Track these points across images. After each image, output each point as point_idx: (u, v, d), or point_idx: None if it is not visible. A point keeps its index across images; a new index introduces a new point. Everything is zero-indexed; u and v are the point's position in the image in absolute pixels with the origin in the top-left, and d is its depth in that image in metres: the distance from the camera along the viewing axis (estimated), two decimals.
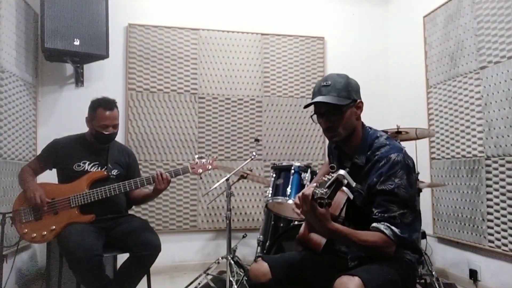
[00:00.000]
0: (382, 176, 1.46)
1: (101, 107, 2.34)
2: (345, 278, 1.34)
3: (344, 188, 1.30)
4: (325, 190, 1.29)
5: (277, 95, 3.98)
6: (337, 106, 1.51)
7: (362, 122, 1.64)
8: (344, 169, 1.36)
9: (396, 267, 1.45)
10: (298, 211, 1.57)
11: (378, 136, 1.58)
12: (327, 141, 3.99)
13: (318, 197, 1.30)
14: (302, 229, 1.58)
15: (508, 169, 2.67)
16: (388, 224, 1.42)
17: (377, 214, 1.45)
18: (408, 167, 1.49)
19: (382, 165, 1.48)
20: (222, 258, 2.84)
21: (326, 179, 1.32)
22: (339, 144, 1.66)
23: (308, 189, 1.41)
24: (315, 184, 1.48)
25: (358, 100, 1.57)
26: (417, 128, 2.77)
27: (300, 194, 1.42)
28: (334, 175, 1.30)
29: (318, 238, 1.52)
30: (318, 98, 1.53)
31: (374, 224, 1.44)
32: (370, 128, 1.64)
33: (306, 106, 1.64)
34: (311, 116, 1.62)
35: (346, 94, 1.53)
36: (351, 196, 1.31)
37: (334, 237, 1.43)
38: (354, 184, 1.32)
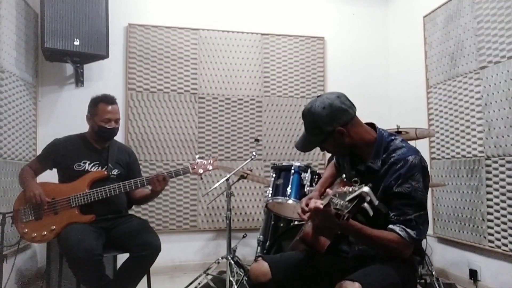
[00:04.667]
0: (400, 178, 1.45)
1: (103, 102, 2.38)
2: (345, 284, 1.33)
3: (365, 204, 1.24)
4: (346, 204, 1.25)
5: (277, 95, 3.98)
6: (314, 145, 1.57)
7: (374, 124, 1.61)
8: (366, 184, 1.31)
9: (397, 269, 1.44)
10: (304, 216, 1.58)
11: (393, 138, 1.56)
12: None
13: (337, 208, 1.27)
14: (307, 228, 1.58)
15: (508, 169, 2.67)
16: (404, 227, 1.41)
17: (393, 217, 1.44)
18: (424, 169, 1.48)
19: (399, 167, 1.46)
20: (222, 258, 2.84)
21: (346, 190, 1.28)
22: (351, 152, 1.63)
23: (317, 202, 1.38)
24: (318, 191, 1.46)
25: (337, 129, 1.49)
26: (417, 128, 2.77)
27: (311, 205, 1.39)
28: (358, 190, 1.24)
29: (323, 239, 1.52)
30: (298, 140, 1.65)
31: (390, 226, 1.43)
32: (384, 130, 1.60)
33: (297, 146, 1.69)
34: None
35: (318, 130, 1.52)
36: (371, 213, 1.25)
37: (346, 232, 1.42)
38: (377, 203, 1.27)
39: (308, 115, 1.54)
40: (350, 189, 1.27)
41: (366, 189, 1.23)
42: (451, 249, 3.28)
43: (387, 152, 1.52)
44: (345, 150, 1.59)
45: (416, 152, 1.51)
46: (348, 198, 1.26)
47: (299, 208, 1.75)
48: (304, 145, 1.60)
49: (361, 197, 1.24)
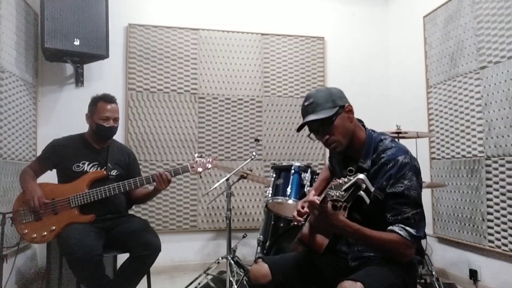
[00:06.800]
0: (391, 178, 1.45)
1: (102, 101, 2.39)
2: (347, 284, 1.33)
3: (361, 192, 1.26)
4: (342, 193, 1.25)
5: (277, 95, 3.98)
6: (327, 118, 1.52)
7: (363, 125, 1.63)
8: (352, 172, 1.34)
9: (397, 269, 1.44)
10: (299, 218, 1.59)
11: (383, 138, 1.57)
12: None
13: (334, 199, 1.26)
14: (305, 229, 1.58)
15: (508, 169, 2.67)
16: (403, 226, 1.40)
17: (390, 218, 1.43)
18: (415, 168, 1.48)
19: (390, 167, 1.47)
20: (222, 258, 2.84)
21: (341, 181, 1.29)
22: (342, 152, 1.64)
23: (314, 196, 1.39)
24: (313, 191, 1.47)
25: (346, 104, 1.56)
26: (418, 132, 2.77)
27: (309, 199, 1.40)
28: (353, 178, 1.25)
29: (321, 239, 1.52)
30: (307, 118, 1.55)
31: (389, 228, 1.42)
32: (373, 131, 1.63)
33: (298, 130, 1.64)
34: (309, 136, 1.62)
35: (331, 104, 1.53)
36: (368, 201, 1.26)
37: (344, 232, 1.40)
38: (372, 189, 1.28)
39: (320, 91, 1.59)
40: (346, 179, 1.29)
41: (361, 176, 1.25)
42: (451, 249, 3.28)
43: (377, 152, 1.53)
44: (346, 138, 1.55)
45: (406, 152, 1.51)
46: (344, 187, 1.26)
47: (299, 206, 1.75)
48: (318, 118, 1.52)
49: (357, 185, 1.25)
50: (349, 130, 1.56)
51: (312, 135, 1.61)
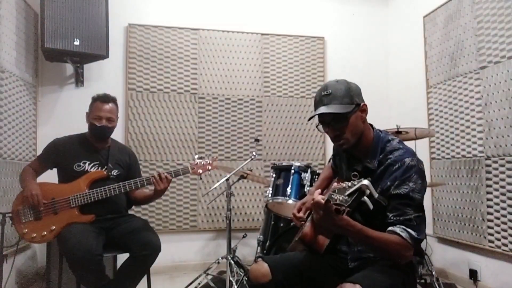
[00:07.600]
0: (396, 180, 1.44)
1: (99, 100, 2.40)
2: (346, 286, 1.33)
3: (365, 198, 1.24)
4: (345, 198, 1.25)
5: (277, 95, 3.98)
6: (341, 114, 1.48)
7: (372, 125, 1.62)
8: (354, 172, 1.33)
9: (397, 271, 1.43)
10: (297, 222, 1.57)
11: (390, 139, 1.56)
12: (327, 141, 4.01)
13: (337, 203, 1.25)
14: (306, 229, 1.57)
15: (508, 169, 2.67)
16: (404, 227, 1.39)
17: (392, 218, 1.42)
18: (421, 171, 1.47)
19: (396, 168, 1.45)
20: (222, 258, 2.84)
21: (346, 185, 1.28)
22: (349, 150, 1.61)
23: (318, 196, 1.37)
24: (319, 190, 1.46)
25: (362, 103, 1.54)
26: (417, 128, 2.76)
27: (315, 198, 1.37)
28: (357, 184, 1.24)
29: (322, 239, 1.51)
30: (322, 109, 1.50)
31: (390, 228, 1.40)
32: (381, 131, 1.61)
33: (310, 118, 1.59)
34: (317, 126, 1.58)
35: (348, 100, 1.50)
36: (371, 207, 1.24)
37: (345, 232, 1.38)
38: (376, 196, 1.27)
39: (340, 83, 1.53)
40: (350, 184, 1.27)
41: (365, 182, 1.23)
42: (451, 249, 3.28)
43: (384, 153, 1.52)
44: (355, 137, 1.53)
45: (413, 154, 1.50)
46: (348, 192, 1.25)
47: (295, 210, 1.74)
48: (333, 112, 1.47)
49: (360, 191, 1.24)
50: (360, 129, 1.54)
51: (320, 127, 1.58)
